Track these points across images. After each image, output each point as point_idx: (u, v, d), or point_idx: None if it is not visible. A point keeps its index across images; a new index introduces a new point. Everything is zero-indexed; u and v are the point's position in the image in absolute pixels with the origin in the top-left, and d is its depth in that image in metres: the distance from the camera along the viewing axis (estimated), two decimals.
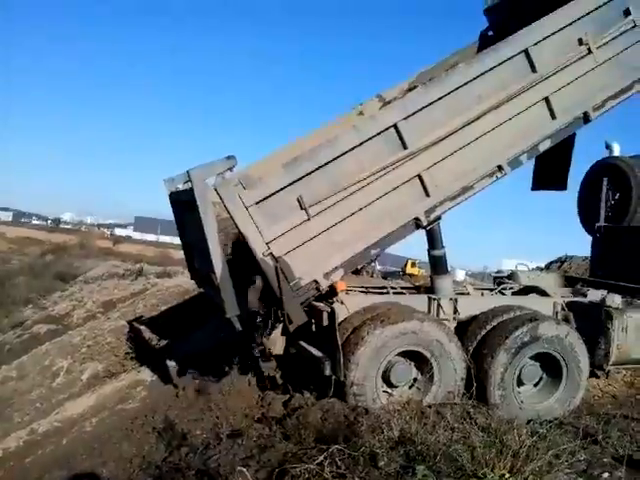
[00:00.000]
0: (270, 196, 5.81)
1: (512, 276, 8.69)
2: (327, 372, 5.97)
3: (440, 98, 6.37)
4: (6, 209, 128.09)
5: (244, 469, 4.18)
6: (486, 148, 6.68)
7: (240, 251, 6.17)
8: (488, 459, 4.20)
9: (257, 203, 5.75)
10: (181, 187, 6.90)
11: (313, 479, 4.09)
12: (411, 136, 6.27)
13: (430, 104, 6.34)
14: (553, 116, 6.90)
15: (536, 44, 6.66)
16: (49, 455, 6.83)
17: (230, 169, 5.76)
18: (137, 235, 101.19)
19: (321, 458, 4.29)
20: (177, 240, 7.91)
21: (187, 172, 5.84)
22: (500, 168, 6.78)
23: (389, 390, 6.36)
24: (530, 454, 4.33)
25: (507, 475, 4.09)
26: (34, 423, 7.93)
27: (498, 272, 9.36)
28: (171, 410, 6.89)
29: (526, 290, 8.05)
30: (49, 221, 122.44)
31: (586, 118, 7.10)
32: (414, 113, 6.28)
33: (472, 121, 6.50)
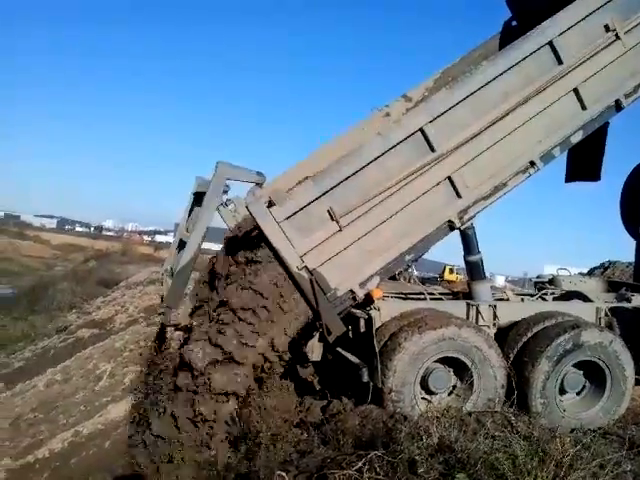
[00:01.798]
0: (300, 210, 5.82)
1: (553, 281, 8.51)
2: (365, 379, 5.97)
3: (465, 98, 6.28)
4: (50, 216, 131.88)
5: (283, 473, 4.21)
6: (516, 145, 6.57)
7: None
8: (530, 468, 4.14)
9: (288, 218, 5.75)
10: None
11: None
12: (438, 138, 6.21)
13: (455, 105, 6.26)
14: (583, 107, 6.75)
15: (561, 35, 6.51)
16: (93, 457, 6.98)
17: (259, 185, 5.81)
18: None
19: (360, 464, 4.30)
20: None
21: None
22: (532, 164, 6.67)
23: (428, 397, 6.31)
24: (573, 464, 4.27)
25: None
26: (78, 425, 8.11)
27: (539, 277, 9.18)
28: None
29: (568, 295, 7.88)
30: (92, 228, 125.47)
31: (618, 106, 6.93)
32: (440, 115, 6.21)
33: (500, 119, 6.40)
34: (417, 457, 4.48)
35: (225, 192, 6.49)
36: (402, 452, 4.54)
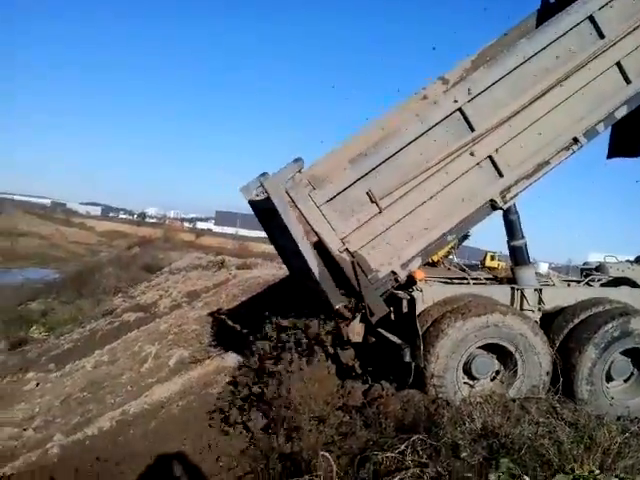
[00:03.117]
0: (340, 193, 5.85)
1: (600, 268, 8.31)
2: (407, 359, 5.98)
3: (504, 76, 6.19)
4: (95, 204, 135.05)
5: (327, 454, 4.26)
6: (558, 122, 6.45)
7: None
8: (576, 455, 4.09)
9: (328, 201, 5.80)
10: (256, 193, 6.89)
11: (395, 466, 4.12)
12: (477, 118, 6.14)
13: (494, 83, 6.18)
14: (627, 80, 6.58)
15: (601, 8, 6.34)
16: (139, 435, 7.15)
17: (299, 171, 5.82)
18: (217, 228, 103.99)
19: (402, 447, 4.32)
20: (255, 233, 8.01)
21: (261, 183, 5.95)
22: (576, 140, 6.53)
23: (470, 382, 6.28)
24: (621, 451, 4.20)
25: (597, 472, 3.96)
26: (125, 405, 8.31)
27: (585, 264, 8.98)
28: (255, 398, 7.06)
29: (616, 282, 7.70)
30: (135, 215, 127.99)
31: None
32: (478, 94, 6.13)
33: (540, 96, 6.29)
34: (460, 441, 4.48)
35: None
36: (445, 436, 4.54)
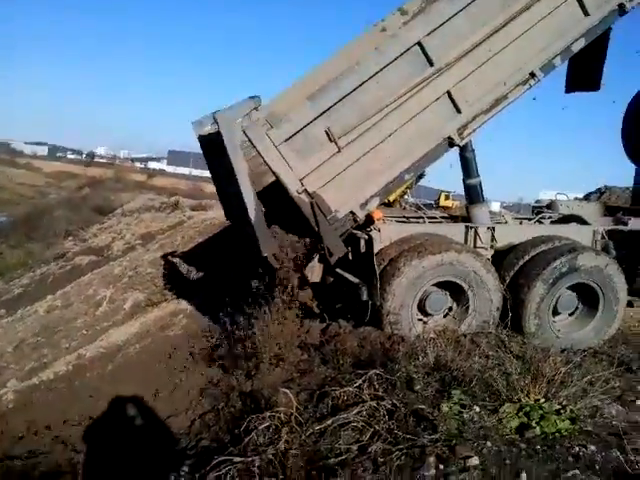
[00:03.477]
0: (298, 132, 5.71)
1: (551, 206, 8.53)
2: (364, 297, 6.06)
3: (463, 8, 6.08)
4: (42, 143, 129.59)
5: (287, 390, 4.35)
6: (516, 56, 6.42)
7: (274, 189, 6.17)
8: (523, 385, 4.29)
9: (286, 140, 5.66)
10: (208, 130, 6.70)
11: (352, 400, 4.24)
12: (437, 52, 6.05)
13: (454, 15, 6.06)
14: (585, 12, 6.57)
15: None
16: (96, 378, 7.16)
17: (256, 109, 5.65)
18: (170, 169, 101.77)
19: (359, 382, 4.44)
20: (209, 174, 7.68)
21: (213, 116, 5.71)
22: (533, 75, 6.54)
23: (424, 319, 6.45)
24: (565, 381, 4.41)
25: (542, 400, 4.18)
26: (81, 349, 8.28)
27: (537, 202, 9.19)
28: (214, 338, 7.12)
29: (566, 219, 7.93)
30: (84, 155, 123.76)
31: (622, 9, 6.73)
32: (438, 27, 6.02)
33: (499, 29, 6.23)
34: (414, 375, 4.64)
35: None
36: (400, 371, 4.70)
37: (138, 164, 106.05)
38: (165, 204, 20.92)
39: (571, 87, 8.90)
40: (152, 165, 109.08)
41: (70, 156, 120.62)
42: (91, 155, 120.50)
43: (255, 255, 5.94)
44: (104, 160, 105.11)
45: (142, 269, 11.81)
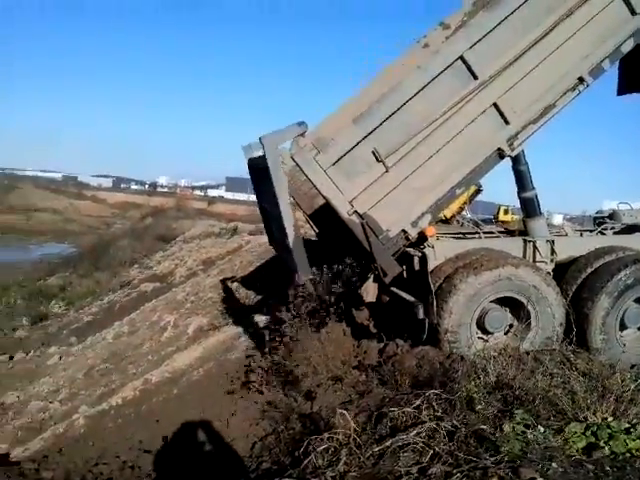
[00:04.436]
0: (345, 154, 5.77)
1: (613, 215, 8.24)
2: (420, 315, 5.99)
3: (505, 19, 6.02)
4: (106, 176, 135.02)
5: (344, 411, 4.35)
6: (562, 62, 6.29)
7: (326, 211, 6.21)
8: (589, 403, 4.15)
9: (334, 164, 5.74)
10: (257, 154, 6.82)
11: (411, 421, 4.20)
12: (480, 65, 6.01)
13: (495, 27, 6.01)
14: (633, 11, 6.38)
15: None
16: (162, 403, 7.31)
17: (302, 135, 5.73)
18: (229, 195, 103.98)
19: (418, 402, 4.39)
20: (255, 198, 7.77)
21: (259, 138, 5.81)
22: (581, 80, 6.39)
23: (484, 337, 6.33)
24: (634, 398, 4.25)
25: (610, 419, 4.02)
26: (147, 374, 8.48)
27: (598, 212, 8.90)
28: (273, 360, 7.18)
29: (629, 229, 7.65)
30: (147, 185, 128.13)
31: None
32: (479, 40, 5.98)
33: (543, 37, 6.13)
34: (475, 395, 4.54)
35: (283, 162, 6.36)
36: (459, 390, 4.60)
37: (198, 192, 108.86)
38: (224, 230, 21.40)
39: (624, 89, 8.64)
40: (211, 192, 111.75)
41: (134, 187, 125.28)
42: (153, 185, 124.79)
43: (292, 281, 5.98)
44: (165, 189, 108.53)
45: (203, 294, 12.09)
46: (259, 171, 6.52)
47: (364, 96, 6.36)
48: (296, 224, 5.79)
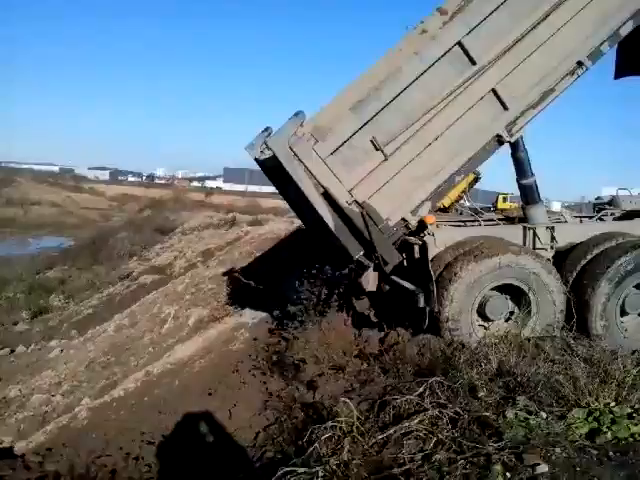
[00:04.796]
0: (344, 143, 5.77)
1: (613, 202, 8.23)
2: (421, 304, 5.98)
3: (503, 3, 5.98)
4: (103, 168, 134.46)
5: (347, 400, 4.36)
6: (561, 46, 6.26)
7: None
8: (591, 389, 4.16)
9: (332, 153, 5.73)
10: (260, 150, 6.69)
11: (414, 409, 4.21)
12: (478, 50, 5.99)
13: (493, 12, 5.98)
14: None
15: None
16: (165, 394, 7.33)
17: (301, 125, 5.72)
18: (227, 186, 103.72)
19: (421, 390, 4.40)
20: (264, 189, 7.82)
21: (265, 143, 5.86)
22: (580, 64, 6.38)
23: (485, 324, 6.33)
24: (636, 383, 4.26)
25: (612, 404, 4.05)
26: (149, 366, 8.50)
27: (598, 199, 8.89)
28: (274, 350, 7.21)
29: (629, 215, 7.63)
30: (144, 177, 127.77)
31: None
32: (477, 25, 5.95)
33: (541, 20, 6.11)
34: (477, 382, 4.57)
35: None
36: (462, 378, 4.62)
37: (196, 183, 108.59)
38: (223, 221, 21.38)
39: (621, 72, 8.59)
40: (209, 183, 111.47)
41: (131, 179, 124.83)
42: (151, 177, 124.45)
43: (345, 260, 6.02)
44: (163, 181, 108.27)
45: (203, 285, 12.09)
46: (273, 169, 6.53)
47: (362, 84, 6.30)
48: (330, 209, 5.79)
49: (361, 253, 5.93)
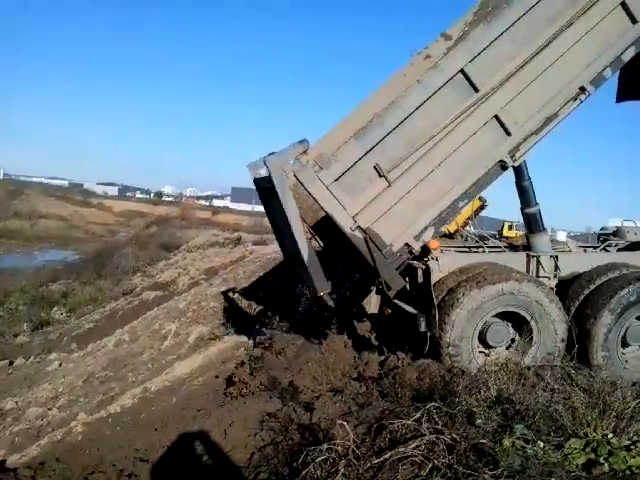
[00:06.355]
0: (347, 170, 5.79)
1: (618, 233, 8.22)
2: (422, 328, 5.96)
3: (505, 31, 6.02)
4: (112, 184, 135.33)
5: (344, 423, 4.32)
6: (563, 72, 6.30)
7: (327, 227, 6.22)
8: (590, 419, 4.11)
9: (336, 180, 5.75)
10: (262, 171, 6.73)
11: (411, 434, 4.17)
12: (481, 77, 6.02)
13: (495, 40, 6.02)
14: (634, 20, 6.39)
15: None
16: (161, 412, 7.29)
17: (304, 152, 5.76)
18: (234, 205, 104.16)
19: (418, 415, 4.35)
20: (265, 214, 7.78)
21: (263, 160, 5.87)
22: (583, 89, 6.39)
23: (486, 351, 6.29)
24: (635, 415, 4.21)
25: (610, 435, 3.99)
26: (147, 382, 8.48)
27: (603, 229, 8.87)
28: (272, 370, 7.17)
29: (633, 247, 7.62)
30: (152, 194, 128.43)
31: None
32: (480, 53, 5.98)
33: (544, 47, 6.14)
34: (475, 409, 4.51)
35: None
36: (460, 404, 4.58)
37: (203, 201, 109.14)
38: (228, 239, 21.45)
39: (622, 96, 8.63)
40: (217, 202, 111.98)
41: (139, 195, 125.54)
42: (159, 194, 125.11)
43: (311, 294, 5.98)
44: (171, 198, 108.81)
45: (205, 303, 12.10)
46: (266, 190, 6.55)
47: (365, 110, 6.36)
48: (309, 240, 5.82)
49: (326, 291, 5.89)
